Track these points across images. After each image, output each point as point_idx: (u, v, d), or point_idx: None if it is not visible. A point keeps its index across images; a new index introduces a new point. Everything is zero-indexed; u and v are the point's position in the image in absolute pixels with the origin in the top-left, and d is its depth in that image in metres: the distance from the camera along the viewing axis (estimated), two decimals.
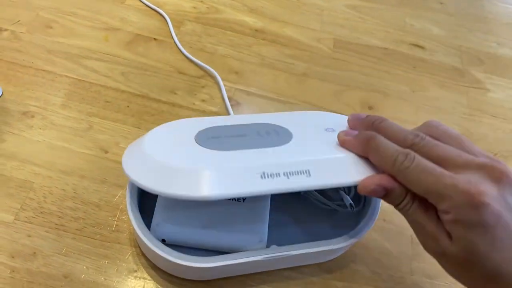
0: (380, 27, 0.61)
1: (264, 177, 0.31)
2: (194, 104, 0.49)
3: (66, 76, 0.49)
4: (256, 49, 0.55)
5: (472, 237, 0.28)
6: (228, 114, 0.48)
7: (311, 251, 0.36)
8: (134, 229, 0.35)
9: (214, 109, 0.49)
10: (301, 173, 0.32)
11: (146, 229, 0.35)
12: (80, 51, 0.51)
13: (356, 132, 0.35)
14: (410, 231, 0.43)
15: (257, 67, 0.54)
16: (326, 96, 0.53)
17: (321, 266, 0.41)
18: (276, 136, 0.35)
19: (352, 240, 0.37)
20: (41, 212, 0.40)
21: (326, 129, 0.37)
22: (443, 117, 0.53)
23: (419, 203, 0.32)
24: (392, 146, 0.32)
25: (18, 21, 0.52)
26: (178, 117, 0.48)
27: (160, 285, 0.38)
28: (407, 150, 0.31)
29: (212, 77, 0.52)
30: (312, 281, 0.40)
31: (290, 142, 0.35)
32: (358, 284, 0.40)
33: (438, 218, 0.30)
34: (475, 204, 0.28)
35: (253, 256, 0.35)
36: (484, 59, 0.61)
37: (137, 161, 0.34)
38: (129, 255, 0.39)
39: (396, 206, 0.33)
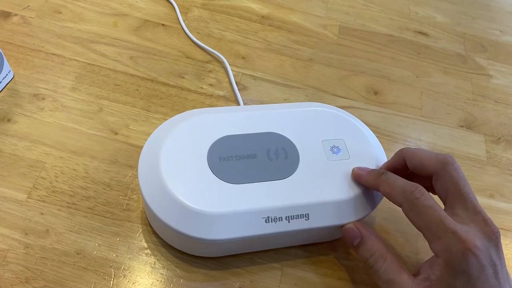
0: (384, 14, 0.62)
1: (268, 221, 0.35)
2: (201, 88, 0.50)
3: (76, 60, 0.49)
4: (263, 35, 0.56)
5: (456, 283, 0.31)
6: (236, 98, 0.49)
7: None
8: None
9: (221, 93, 0.50)
10: (300, 217, 0.36)
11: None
12: (89, 36, 0.51)
13: (369, 168, 0.38)
14: None
15: (264, 53, 0.54)
16: (332, 81, 0.53)
17: (328, 245, 0.42)
18: (284, 160, 0.38)
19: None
20: (53, 191, 0.40)
21: (331, 149, 0.40)
22: (447, 102, 0.54)
23: (391, 261, 0.34)
24: (403, 180, 0.35)
25: (28, 6, 0.53)
26: (186, 100, 0.48)
27: (171, 262, 0.38)
28: (417, 184, 0.34)
29: (219, 62, 0.52)
30: (320, 260, 0.41)
31: (295, 172, 0.38)
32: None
33: (413, 276, 0.33)
34: (466, 254, 0.30)
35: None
36: (487, 46, 0.61)
37: (154, 188, 0.36)
38: (140, 233, 0.39)
39: (367, 260, 0.35)
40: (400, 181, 0.35)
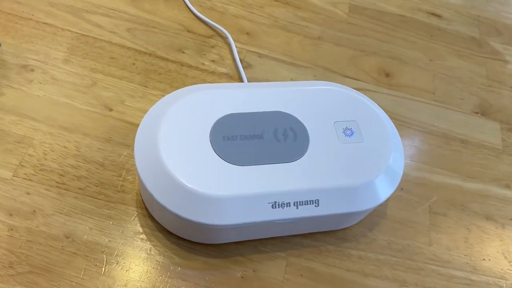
0: None
1: (275, 207, 0.33)
2: (203, 64, 0.46)
3: (69, 30, 0.46)
4: (269, 10, 0.53)
5: None
6: (239, 76, 0.46)
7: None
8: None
9: (224, 70, 0.46)
10: (310, 203, 0.33)
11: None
12: (84, 5, 0.48)
13: None
14: (428, 200, 0.42)
15: (270, 29, 0.51)
16: (341, 61, 0.50)
17: (336, 234, 0.39)
18: (293, 142, 0.35)
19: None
20: (41, 170, 0.37)
21: (344, 131, 0.37)
22: (461, 86, 0.51)
23: None
24: None
25: None
26: (186, 77, 0.45)
27: (168, 249, 0.36)
28: None
29: (223, 37, 0.49)
30: (327, 249, 0.38)
31: (305, 155, 0.35)
32: (374, 253, 0.39)
33: None
34: None
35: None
36: (502, 30, 0.59)
37: (152, 168, 0.33)
38: (135, 217, 0.37)
39: None
40: None
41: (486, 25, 0.59)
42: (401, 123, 0.47)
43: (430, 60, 0.53)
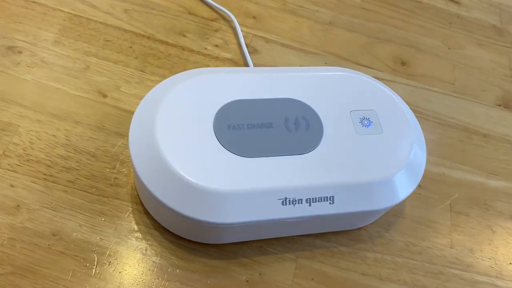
0: None
1: (285, 204, 0.29)
2: (206, 49, 0.43)
3: (61, 10, 0.42)
4: None
5: None
6: (245, 61, 0.42)
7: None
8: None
9: (228, 55, 0.43)
10: (324, 200, 0.30)
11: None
12: None
13: None
14: (448, 198, 0.39)
15: (278, 12, 0.47)
16: (354, 48, 0.47)
17: (350, 234, 0.36)
18: (305, 132, 0.32)
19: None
20: (27, 160, 0.34)
21: (361, 121, 0.33)
22: (482, 77, 0.48)
23: None
24: None
25: None
26: (187, 62, 0.42)
27: (166, 249, 0.32)
28: None
29: (227, 20, 0.45)
30: (340, 251, 0.35)
31: (319, 146, 0.31)
32: (391, 255, 0.35)
33: None
34: None
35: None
36: None
37: (148, 160, 0.29)
38: (130, 213, 0.33)
39: None
40: None
41: (508, 13, 0.55)
42: (419, 115, 0.43)
43: (449, 49, 0.50)
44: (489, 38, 0.52)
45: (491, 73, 0.49)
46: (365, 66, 0.46)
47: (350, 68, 0.44)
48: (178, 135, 0.30)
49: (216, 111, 0.31)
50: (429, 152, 0.41)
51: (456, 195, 0.39)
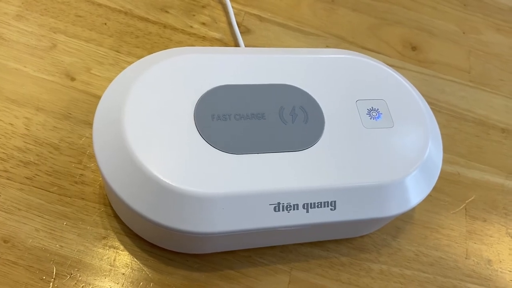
0: None
1: (278, 210, 0.25)
2: (191, 27, 0.38)
3: None
4: None
5: None
6: (236, 42, 0.38)
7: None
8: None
9: (216, 35, 0.38)
10: (324, 205, 0.26)
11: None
12: None
13: None
14: (464, 201, 0.35)
15: None
16: (360, 30, 0.42)
17: (352, 242, 0.31)
18: (304, 125, 0.27)
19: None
20: None
21: (369, 112, 0.29)
22: (500, 66, 0.43)
23: None
24: None
25: None
26: (169, 41, 0.37)
27: (138, 259, 0.28)
28: None
29: None
30: (341, 262, 0.30)
31: (319, 142, 0.27)
32: (399, 267, 0.31)
33: None
34: None
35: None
36: None
37: (115, 156, 0.24)
38: (97, 216, 0.28)
39: None
40: None
41: None
42: (432, 107, 0.39)
43: (464, 33, 0.45)
44: (508, 22, 0.47)
45: (510, 61, 0.44)
46: (371, 50, 0.41)
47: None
48: (151, 125, 0.25)
49: (198, 98, 0.26)
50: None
51: (472, 198, 0.35)
